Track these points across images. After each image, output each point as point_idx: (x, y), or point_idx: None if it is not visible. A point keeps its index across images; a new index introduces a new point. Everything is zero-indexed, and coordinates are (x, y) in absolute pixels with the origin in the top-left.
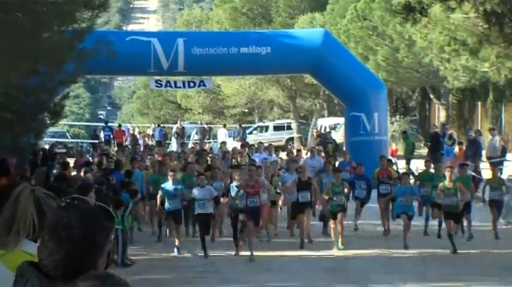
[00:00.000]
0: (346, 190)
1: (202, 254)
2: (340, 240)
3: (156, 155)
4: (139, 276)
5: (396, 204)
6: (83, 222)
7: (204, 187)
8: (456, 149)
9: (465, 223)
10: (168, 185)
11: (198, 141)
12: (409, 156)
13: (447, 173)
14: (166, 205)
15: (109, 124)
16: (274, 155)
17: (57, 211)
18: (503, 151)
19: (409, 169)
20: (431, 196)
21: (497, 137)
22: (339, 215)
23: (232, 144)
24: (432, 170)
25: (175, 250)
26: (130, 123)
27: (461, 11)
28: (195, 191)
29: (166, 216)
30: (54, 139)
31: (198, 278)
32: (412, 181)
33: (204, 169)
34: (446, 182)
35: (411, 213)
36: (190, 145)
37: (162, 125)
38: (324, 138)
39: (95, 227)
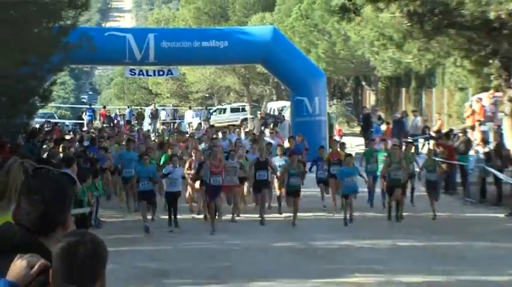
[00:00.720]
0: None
1: (171, 227)
2: (294, 219)
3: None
4: (112, 236)
5: (343, 186)
6: (52, 187)
7: (177, 167)
8: (384, 127)
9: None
10: (142, 167)
11: (171, 122)
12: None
13: (393, 150)
14: (140, 185)
15: (92, 107)
16: (243, 136)
17: (28, 178)
18: (424, 129)
19: None
20: (376, 171)
21: (418, 118)
22: (295, 198)
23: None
24: (376, 147)
25: (144, 227)
26: (118, 109)
27: (389, 11)
28: (169, 170)
29: (139, 196)
30: (44, 119)
31: (166, 237)
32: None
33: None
34: (393, 158)
35: (356, 191)
36: (159, 125)
37: (133, 107)
38: (274, 118)
39: (62, 190)
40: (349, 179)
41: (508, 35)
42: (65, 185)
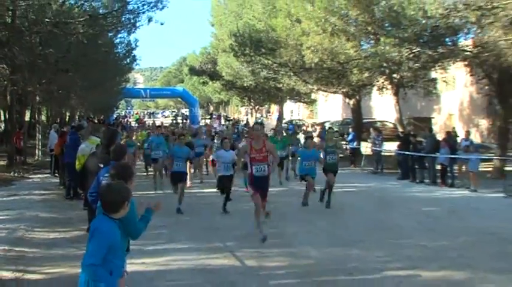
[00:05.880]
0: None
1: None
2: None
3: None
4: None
5: (301, 167)
6: (110, 133)
7: (228, 152)
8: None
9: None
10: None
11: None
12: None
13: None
14: (174, 165)
15: (129, 110)
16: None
17: (104, 130)
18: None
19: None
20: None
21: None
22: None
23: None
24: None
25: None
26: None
27: (217, 83)
28: (222, 154)
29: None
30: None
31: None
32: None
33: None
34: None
35: (314, 175)
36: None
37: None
38: (184, 116)
39: (114, 134)
40: (308, 163)
41: (283, 91)
42: (114, 133)
